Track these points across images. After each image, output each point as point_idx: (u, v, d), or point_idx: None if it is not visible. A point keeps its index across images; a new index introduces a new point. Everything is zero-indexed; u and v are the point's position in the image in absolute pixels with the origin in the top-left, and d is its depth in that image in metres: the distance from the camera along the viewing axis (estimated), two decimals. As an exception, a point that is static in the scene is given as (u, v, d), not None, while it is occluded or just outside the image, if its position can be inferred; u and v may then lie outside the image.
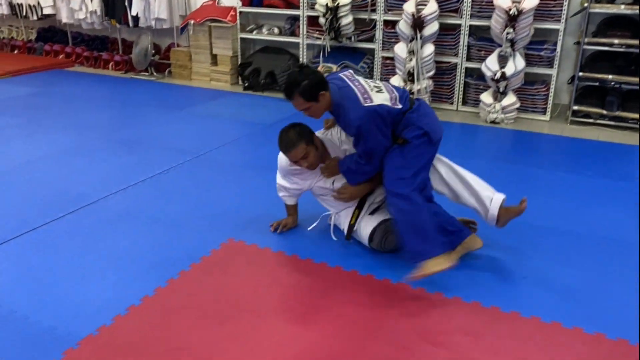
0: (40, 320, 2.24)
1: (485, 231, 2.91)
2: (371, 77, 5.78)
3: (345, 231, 2.82)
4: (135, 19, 6.67)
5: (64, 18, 7.21)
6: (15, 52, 7.97)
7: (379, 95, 2.52)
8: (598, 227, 3.07)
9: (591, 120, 4.91)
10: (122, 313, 2.28)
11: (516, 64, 4.83)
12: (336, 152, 2.78)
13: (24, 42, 7.99)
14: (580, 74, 4.87)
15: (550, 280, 2.55)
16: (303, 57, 6.05)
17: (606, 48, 4.75)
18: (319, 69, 5.76)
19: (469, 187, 2.69)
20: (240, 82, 6.36)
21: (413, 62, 5.15)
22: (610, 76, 4.77)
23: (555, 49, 4.94)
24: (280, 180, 2.91)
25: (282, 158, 2.81)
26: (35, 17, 7.66)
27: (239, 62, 6.39)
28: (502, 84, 4.90)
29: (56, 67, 7.23)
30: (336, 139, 2.78)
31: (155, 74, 6.81)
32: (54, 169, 3.84)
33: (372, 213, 2.78)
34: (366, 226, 2.74)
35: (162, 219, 3.11)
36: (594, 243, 2.89)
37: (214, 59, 6.51)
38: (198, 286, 2.49)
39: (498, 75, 4.85)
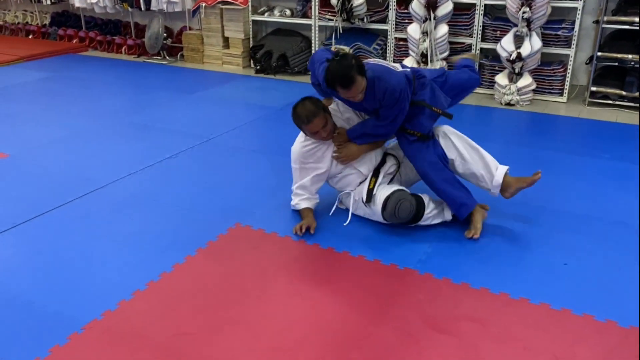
0: (45, 305, 2.25)
1: (498, 214, 2.86)
2: (384, 59, 5.69)
3: (365, 197, 2.77)
4: (147, 2, 6.64)
5: (77, 2, 7.20)
6: (30, 36, 8.00)
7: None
8: (613, 211, 2.99)
9: (610, 102, 4.78)
10: (127, 298, 2.28)
11: (532, 44, 4.71)
12: (340, 123, 2.86)
13: (39, 26, 8.01)
14: (599, 53, 4.73)
15: (560, 266, 2.49)
16: (315, 39, 5.97)
17: (626, 27, 4.60)
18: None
19: (477, 152, 2.84)
20: (252, 65, 6.31)
21: (426, 43, 5.06)
22: (630, 56, 4.63)
23: (573, 28, 4.80)
24: (297, 183, 2.88)
25: (295, 149, 2.85)
26: (48, 2, 7.68)
27: (251, 45, 6.34)
28: (517, 65, 4.79)
29: (70, 52, 7.25)
30: (336, 110, 2.88)
31: (167, 57, 6.79)
32: (64, 154, 3.85)
33: (388, 183, 2.87)
34: (381, 194, 2.73)
35: (169, 203, 3.10)
36: (609, 228, 2.82)
37: (226, 42, 6.46)
38: (204, 271, 2.48)
39: (514, 55, 4.74)
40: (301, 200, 2.90)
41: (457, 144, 2.82)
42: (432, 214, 2.79)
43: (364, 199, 2.78)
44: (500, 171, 2.78)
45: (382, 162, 2.90)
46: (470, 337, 2.07)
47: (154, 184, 3.36)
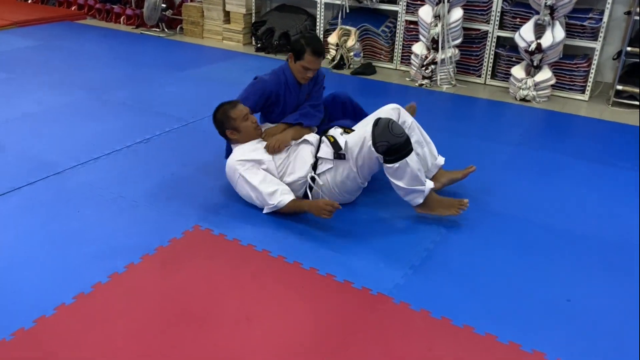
0: (-49, 317, 1.94)
1: (493, 235, 2.48)
2: (393, 43, 5.26)
3: (332, 153, 2.63)
4: (147, -30, 6.25)
5: (76, -33, 6.83)
6: (29, 1, 7.67)
7: None
8: (625, 232, 2.58)
9: (636, 103, 4.32)
10: (48, 313, 1.96)
11: (555, 35, 4.25)
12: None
13: (39, -9, 7.67)
14: (629, 49, 4.26)
15: (563, 303, 2.11)
16: (321, 17, 5.55)
17: (661, 20, 4.12)
18: (336, 31, 5.28)
19: (426, 139, 2.89)
20: (253, 43, 5.92)
21: (438, 28, 4.61)
22: (663, 53, 4.15)
23: (601, 19, 4.32)
24: (261, 188, 2.58)
25: (229, 163, 2.68)
26: (48, -35, 7.33)
27: (253, 21, 5.94)
28: (536, 57, 4.34)
29: (67, 19, 6.90)
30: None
31: (166, 30, 6.42)
32: (27, 132, 3.52)
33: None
34: (359, 131, 2.63)
35: (125, 197, 2.76)
36: (619, 254, 2.42)
37: (227, 17, 6.06)
38: (144, 284, 2.14)
39: (533, 46, 4.28)
40: (282, 195, 2.56)
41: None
42: (417, 166, 2.53)
43: (334, 150, 2.61)
44: (440, 160, 2.89)
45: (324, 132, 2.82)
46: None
47: (114, 172, 3.02)
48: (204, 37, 6.24)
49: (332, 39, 5.30)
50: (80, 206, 2.67)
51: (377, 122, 2.50)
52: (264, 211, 2.60)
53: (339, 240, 2.46)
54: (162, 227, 2.51)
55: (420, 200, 2.59)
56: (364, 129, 2.58)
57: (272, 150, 2.68)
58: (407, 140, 2.50)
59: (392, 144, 2.44)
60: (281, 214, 2.59)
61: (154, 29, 6.46)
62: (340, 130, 2.77)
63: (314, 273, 2.23)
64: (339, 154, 2.62)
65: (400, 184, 2.53)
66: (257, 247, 2.39)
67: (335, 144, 2.64)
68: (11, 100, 4.08)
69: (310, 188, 2.65)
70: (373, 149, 2.47)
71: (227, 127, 2.71)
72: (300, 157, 2.69)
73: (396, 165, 2.48)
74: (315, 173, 2.64)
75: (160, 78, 4.75)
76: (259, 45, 5.77)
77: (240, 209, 2.68)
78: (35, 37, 6.01)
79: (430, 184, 2.61)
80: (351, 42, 5.21)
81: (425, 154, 2.84)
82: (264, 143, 2.73)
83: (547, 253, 2.42)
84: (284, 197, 2.56)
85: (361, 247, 2.41)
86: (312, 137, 2.75)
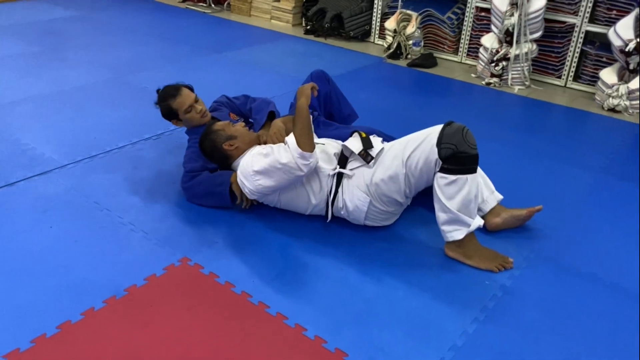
0: None
1: (547, 304, 1.86)
2: (459, 32, 4.56)
3: (358, 149, 2.14)
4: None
5: None
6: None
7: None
8: None
9: None
10: (-36, 379, 1.52)
11: (660, 34, 3.46)
12: None
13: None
14: None
15: None
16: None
17: None
18: (395, 16, 4.63)
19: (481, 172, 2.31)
20: (303, 24, 5.35)
21: (514, 18, 3.90)
22: None
23: None
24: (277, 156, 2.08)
25: (244, 162, 2.19)
26: None
27: (304, 0, 5.36)
28: (634, 59, 3.57)
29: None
30: None
31: (212, 5, 5.94)
32: (27, 119, 3.11)
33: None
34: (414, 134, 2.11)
35: (111, 211, 2.30)
36: None
37: (277, -6, 5.52)
38: (95, 343, 1.66)
39: (631, 46, 3.51)
40: (312, 162, 2.07)
41: None
42: (475, 191, 2.03)
43: (363, 147, 2.14)
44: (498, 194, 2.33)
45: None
46: None
47: (108, 177, 2.56)
48: (252, 16, 5.73)
49: (390, 24, 4.66)
50: (55, 220, 2.22)
51: (450, 122, 2.01)
52: (302, 168, 2.04)
53: (366, 308, 1.90)
54: (142, 258, 2.02)
55: (460, 237, 2.01)
56: (422, 131, 2.07)
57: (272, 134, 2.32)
58: (477, 157, 1.98)
59: (459, 151, 1.93)
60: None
61: (200, 3, 6.00)
62: (381, 138, 2.25)
63: (319, 344, 1.69)
64: (366, 152, 2.09)
65: (448, 204, 1.97)
66: (253, 298, 1.86)
67: (366, 140, 2.14)
68: (24, 78, 3.70)
69: (338, 184, 2.15)
70: (435, 149, 1.92)
71: (221, 142, 2.27)
72: (325, 152, 2.22)
73: (453, 178, 1.94)
74: (345, 168, 2.16)
75: (194, 60, 4.28)
76: (308, 27, 5.20)
77: (244, 238, 2.16)
78: (78, 6, 5.68)
79: (479, 221, 2.03)
80: (411, 28, 4.55)
81: (481, 185, 2.26)
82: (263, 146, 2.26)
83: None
84: (313, 162, 2.07)
85: (389, 318, 1.84)
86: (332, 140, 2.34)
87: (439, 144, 1.96)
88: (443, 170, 1.97)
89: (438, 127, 2.01)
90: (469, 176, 1.97)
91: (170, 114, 2.54)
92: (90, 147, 2.81)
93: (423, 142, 2.00)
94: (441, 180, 1.98)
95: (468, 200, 1.97)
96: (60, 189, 2.44)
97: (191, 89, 2.57)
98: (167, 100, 2.50)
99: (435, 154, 1.96)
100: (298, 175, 2.06)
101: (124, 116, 3.19)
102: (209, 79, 3.87)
